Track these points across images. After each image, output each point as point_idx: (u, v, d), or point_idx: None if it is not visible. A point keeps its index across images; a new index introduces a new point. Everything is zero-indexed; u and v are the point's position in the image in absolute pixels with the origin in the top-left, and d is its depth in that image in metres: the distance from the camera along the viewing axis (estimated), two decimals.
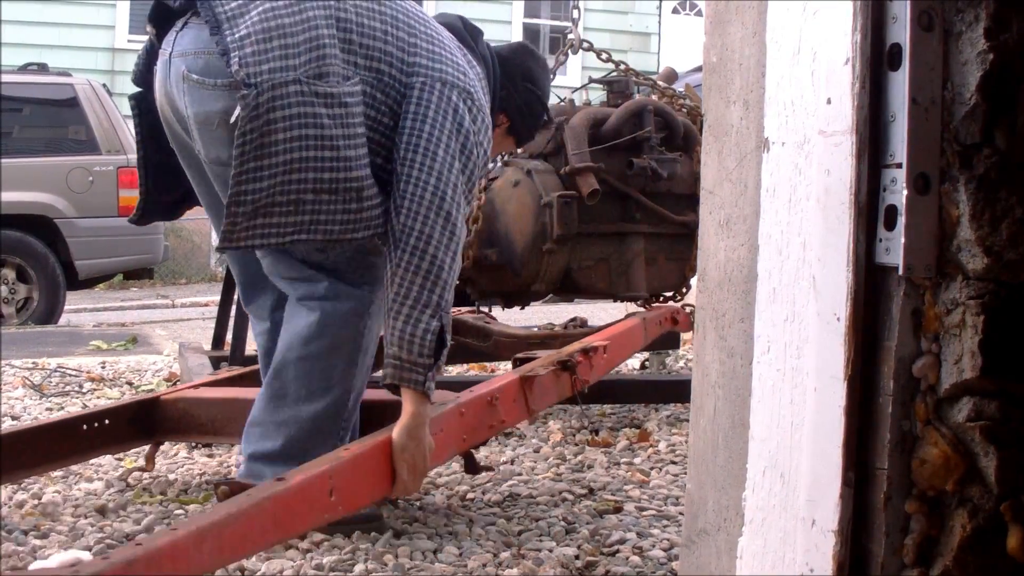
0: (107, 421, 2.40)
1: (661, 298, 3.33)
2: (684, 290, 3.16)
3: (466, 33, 2.20)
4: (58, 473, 2.60)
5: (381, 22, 2.00)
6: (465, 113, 2.00)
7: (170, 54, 2.01)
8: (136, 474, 2.58)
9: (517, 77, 2.29)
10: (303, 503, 1.73)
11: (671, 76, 3.31)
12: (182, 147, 2.10)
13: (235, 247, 1.93)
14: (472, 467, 2.32)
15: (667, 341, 4.12)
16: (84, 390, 3.96)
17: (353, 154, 1.91)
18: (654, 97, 3.22)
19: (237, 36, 1.89)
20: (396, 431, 1.90)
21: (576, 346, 2.68)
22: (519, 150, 3.20)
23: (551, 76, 2.50)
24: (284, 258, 2.06)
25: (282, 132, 1.87)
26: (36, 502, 2.36)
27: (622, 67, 3.21)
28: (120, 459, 2.77)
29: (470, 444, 2.25)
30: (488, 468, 2.56)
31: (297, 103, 1.87)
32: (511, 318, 5.60)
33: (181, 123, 2.03)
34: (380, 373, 1.97)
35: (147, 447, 2.54)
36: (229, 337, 3.45)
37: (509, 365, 3.79)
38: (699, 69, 6.96)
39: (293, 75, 1.87)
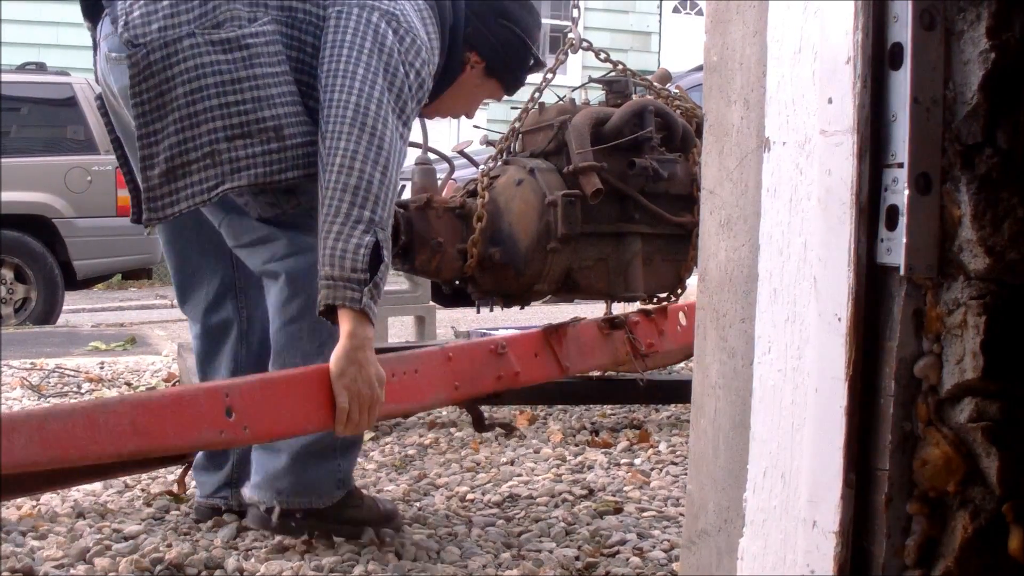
0: None
1: (656, 299, 3.32)
2: (679, 291, 3.16)
3: None
4: None
5: None
6: (388, 33, 1.91)
7: (98, 40, 2.00)
8: (143, 482, 2.57)
9: (488, 14, 2.21)
10: (179, 414, 1.59)
11: (665, 77, 3.30)
12: (126, 134, 2.05)
13: (161, 217, 1.86)
14: (479, 424, 2.15)
15: None
16: (82, 391, 3.96)
17: (263, 94, 1.86)
18: (649, 97, 3.21)
19: (127, 3, 1.89)
20: (333, 355, 1.78)
21: (635, 309, 2.52)
22: (521, 134, 3.14)
23: (538, 18, 2.35)
24: (240, 221, 1.99)
25: (180, 87, 1.84)
26: (34, 503, 2.36)
27: (619, 67, 3.21)
28: None
29: (466, 393, 2.09)
30: (508, 427, 2.31)
31: (192, 55, 1.84)
32: (510, 318, 5.60)
33: (118, 106, 2.00)
34: (320, 298, 1.79)
35: (178, 469, 2.40)
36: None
37: None
38: (699, 68, 6.97)
39: (187, 29, 1.85)
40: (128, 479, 2.56)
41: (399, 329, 5.45)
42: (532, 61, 2.31)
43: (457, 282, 3.13)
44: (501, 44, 2.22)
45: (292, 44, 1.92)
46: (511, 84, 2.35)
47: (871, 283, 0.99)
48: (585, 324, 2.27)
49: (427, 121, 2.53)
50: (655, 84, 3.21)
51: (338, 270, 1.77)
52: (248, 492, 2.03)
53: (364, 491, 2.15)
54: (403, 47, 1.92)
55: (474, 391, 2.11)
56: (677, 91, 3.25)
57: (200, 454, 2.22)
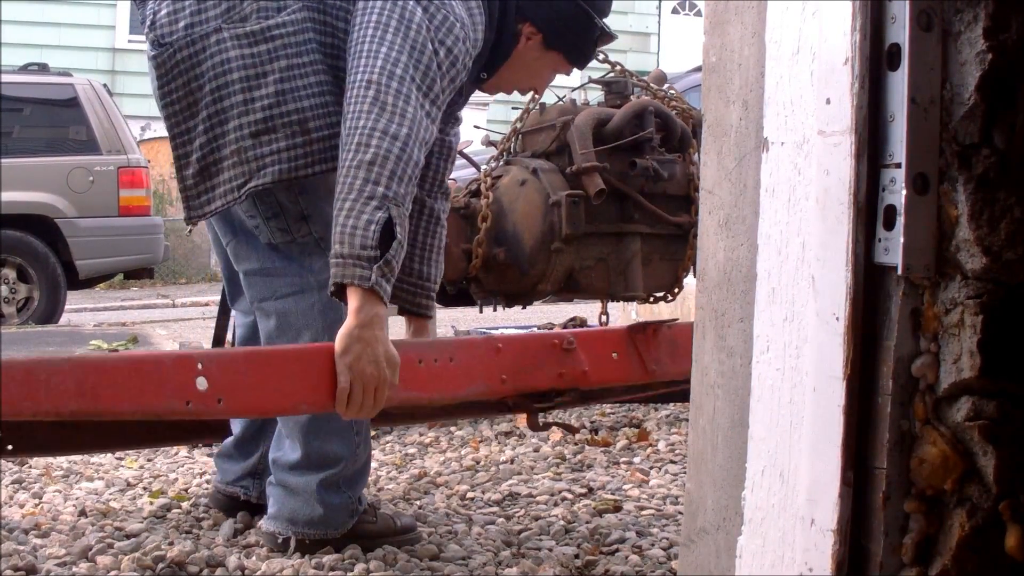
0: None
1: (652, 298, 3.33)
2: (676, 290, 3.17)
3: None
4: (58, 472, 2.61)
5: None
6: (417, 10, 1.85)
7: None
8: (142, 477, 2.57)
9: (548, 11, 2.10)
10: (136, 379, 1.52)
11: (660, 78, 3.31)
12: None
13: (199, 215, 1.87)
14: (532, 422, 2.04)
15: None
16: None
17: (287, 87, 1.84)
18: (646, 97, 3.22)
19: (156, 3, 1.89)
20: (339, 333, 1.71)
21: None
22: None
23: None
24: (248, 246, 1.98)
25: (208, 84, 1.83)
26: (37, 501, 2.36)
27: (617, 68, 3.21)
28: (120, 459, 2.77)
29: (515, 388, 1.95)
30: (569, 427, 2.17)
31: (218, 51, 1.83)
32: (510, 317, 5.60)
33: None
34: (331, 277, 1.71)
35: (181, 468, 2.45)
36: (229, 336, 3.45)
37: None
38: (698, 69, 6.97)
39: (214, 25, 1.84)
40: (130, 478, 2.57)
41: (399, 328, 5.46)
42: (596, 32, 2.16)
43: (461, 282, 3.14)
44: (557, 14, 2.12)
45: (325, 31, 1.90)
46: (575, 57, 2.21)
47: (869, 283, 1.00)
48: (682, 326, 2.09)
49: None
50: (652, 85, 3.22)
51: (347, 247, 1.71)
52: (264, 524, 2.03)
53: (380, 507, 2.15)
54: (433, 24, 1.86)
55: (526, 386, 1.96)
56: (673, 92, 3.26)
57: (227, 441, 2.22)
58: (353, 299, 1.71)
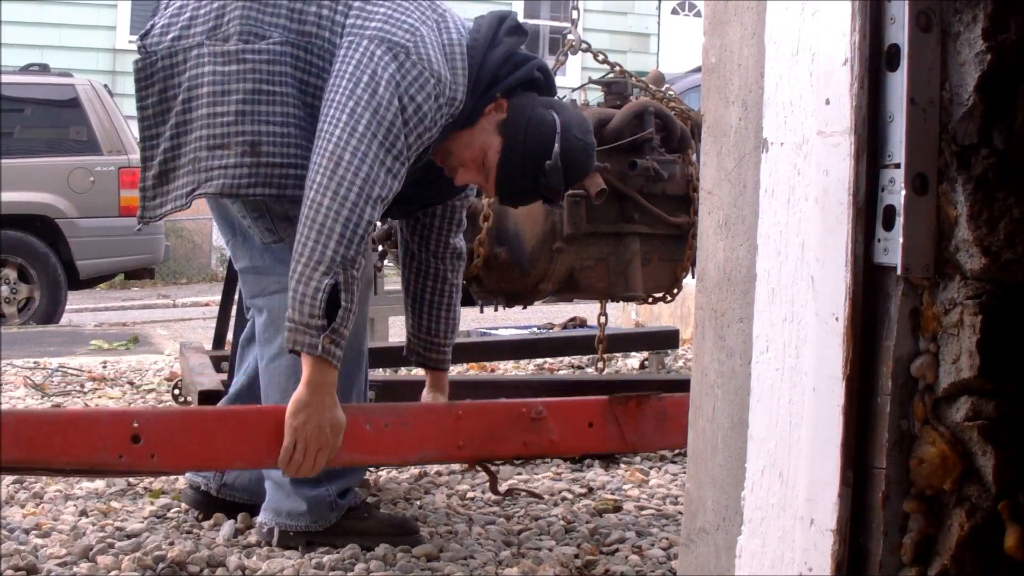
0: None
1: (651, 298, 3.33)
2: (675, 291, 3.17)
3: (494, 23, 2.01)
4: None
5: None
6: (391, 65, 1.86)
7: None
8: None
9: (538, 106, 2.01)
10: (72, 433, 1.65)
11: (659, 79, 3.31)
12: None
13: (151, 217, 1.98)
14: (493, 486, 2.17)
15: (667, 341, 4.12)
16: (85, 390, 3.97)
17: (249, 108, 1.89)
18: (644, 98, 3.22)
19: (155, 19, 2.01)
20: (293, 396, 1.83)
21: None
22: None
23: (585, 161, 2.08)
24: (244, 245, 2.06)
25: (182, 94, 1.94)
26: (37, 501, 2.37)
27: (616, 68, 3.22)
28: None
29: (473, 454, 2.00)
30: (536, 495, 2.29)
31: (195, 64, 1.93)
32: (511, 317, 5.61)
33: None
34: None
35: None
36: (230, 336, 3.45)
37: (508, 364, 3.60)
38: (698, 70, 6.98)
39: (198, 40, 1.94)
40: (131, 478, 2.57)
41: (400, 329, 5.46)
42: (546, 169, 1.98)
43: (462, 281, 3.13)
44: (531, 118, 1.99)
45: (308, 69, 1.94)
46: (508, 160, 1.99)
47: (868, 283, 1.00)
48: (675, 398, 2.03)
49: None
50: (651, 86, 3.22)
51: (297, 314, 1.81)
52: (259, 516, 2.10)
53: (378, 506, 2.17)
54: (406, 80, 1.88)
55: (486, 453, 2.01)
56: (671, 93, 3.26)
57: None
58: (305, 365, 1.82)
